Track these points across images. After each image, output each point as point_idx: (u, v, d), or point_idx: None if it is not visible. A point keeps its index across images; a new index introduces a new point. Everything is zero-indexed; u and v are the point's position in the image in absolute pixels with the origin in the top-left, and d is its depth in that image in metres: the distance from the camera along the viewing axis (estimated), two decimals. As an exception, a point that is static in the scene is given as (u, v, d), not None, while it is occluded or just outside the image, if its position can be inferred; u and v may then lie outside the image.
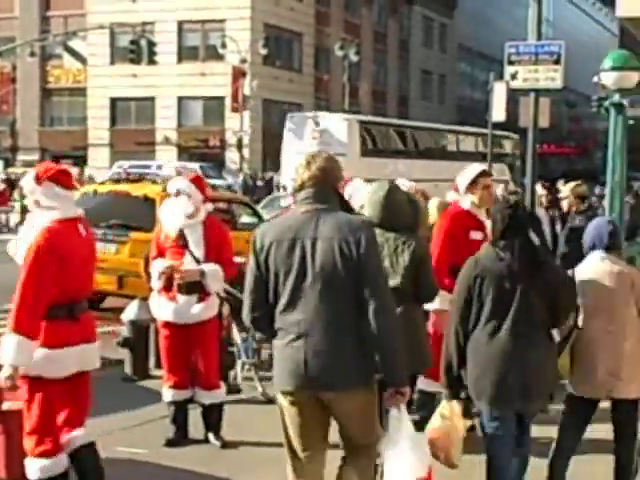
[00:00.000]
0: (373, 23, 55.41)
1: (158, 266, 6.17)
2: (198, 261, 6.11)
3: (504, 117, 26.11)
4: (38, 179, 4.52)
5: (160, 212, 6.43)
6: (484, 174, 6.55)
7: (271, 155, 46.03)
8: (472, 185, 6.44)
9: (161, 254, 6.27)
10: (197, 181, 6.29)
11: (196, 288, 6.07)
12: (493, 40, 58.08)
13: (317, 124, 25.41)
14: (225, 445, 6.18)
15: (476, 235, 6.25)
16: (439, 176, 22.18)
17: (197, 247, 6.14)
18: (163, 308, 6.18)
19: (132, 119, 47.14)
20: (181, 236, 6.14)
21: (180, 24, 45.56)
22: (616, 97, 7.10)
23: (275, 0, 46.23)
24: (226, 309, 6.57)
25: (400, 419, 3.94)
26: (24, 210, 16.40)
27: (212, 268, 6.10)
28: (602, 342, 4.89)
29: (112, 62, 46.17)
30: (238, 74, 41.82)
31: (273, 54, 45.13)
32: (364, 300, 3.79)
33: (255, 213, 13.60)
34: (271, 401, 7.16)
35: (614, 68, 7.04)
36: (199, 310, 6.10)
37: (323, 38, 49.97)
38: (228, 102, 42.88)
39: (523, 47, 24.71)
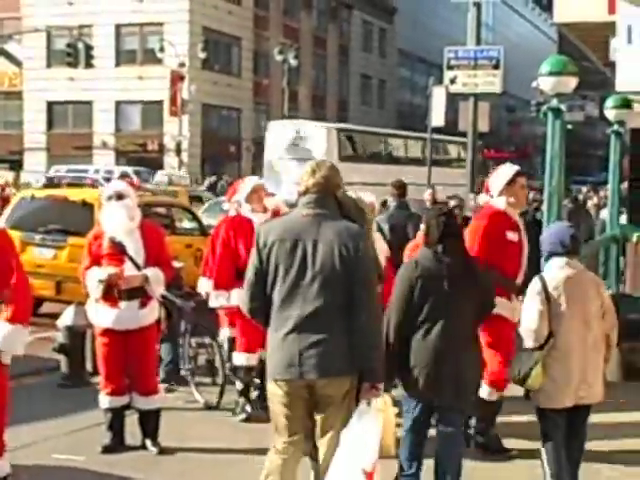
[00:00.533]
0: (312, 27, 55.64)
1: (97, 274, 6.05)
2: (139, 267, 6.07)
3: (443, 122, 26.40)
4: None
5: (102, 216, 6.26)
6: (520, 174, 6.54)
7: (210, 159, 46.10)
8: (509, 185, 6.39)
9: (95, 262, 6.13)
10: (131, 185, 6.50)
11: (138, 293, 6.06)
12: (433, 45, 58.81)
13: (297, 132, 26.22)
14: (162, 451, 6.18)
15: (512, 236, 6.27)
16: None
17: (136, 253, 6.08)
18: (103, 315, 6.09)
19: (69, 123, 46.59)
20: (118, 242, 6.05)
21: (118, 27, 45.24)
22: (554, 102, 7.15)
23: (214, 4, 46.22)
24: (162, 313, 6.50)
25: (365, 412, 4.23)
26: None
27: (154, 272, 6.10)
28: (577, 349, 4.89)
29: (49, 65, 45.60)
30: (176, 78, 41.75)
31: (212, 58, 45.18)
32: (353, 299, 4.18)
33: (195, 218, 13.71)
34: (210, 407, 7.36)
35: (552, 73, 7.07)
36: (141, 315, 6.09)
37: (262, 42, 50.08)
38: (167, 106, 42.76)
39: (462, 52, 24.97)
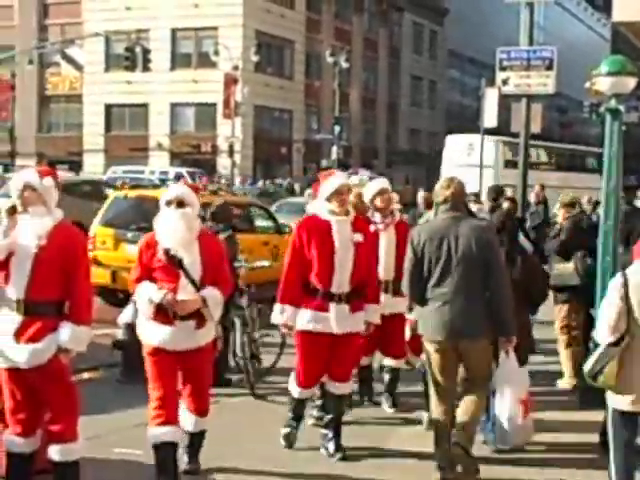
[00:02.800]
0: (364, 30, 56.14)
1: (149, 292, 5.35)
2: (195, 284, 5.34)
3: (495, 123, 26.58)
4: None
5: (157, 223, 5.45)
6: None
7: (261, 161, 46.83)
8: None
9: (147, 274, 5.41)
10: (195, 190, 5.62)
11: (194, 314, 5.37)
12: (484, 46, 58.66)
13: (470, 144, 31.39)
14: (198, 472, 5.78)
15: None
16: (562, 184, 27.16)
17: (193, 267, 5.34)
18: (155, 333, 5.38)
19: (126, 125, 47.85)
20: (174, 256, 5.30)
21: (174, 31, 46.28)
22: (612, 102, 6.93)
23: (267, 7, 46.96)
24: (219, 330, 5.95)
25: (506, 359, 5.97)
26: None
27: (212, 295, 5.38)
28: None
29: (107, 69, 46.87)
30: (230, 81, 42.49)
31: (264, 61, 45.92)
32: (488, 278, 5.60)
33: (270, 216, 14.29)
34: (260, 397, 7.67)
35: (610, 73, 6.83)
36: (198, 336, 5.41)
37: (314, 45, 50.70)
38: (220, 108, 43.59)
39: (515, 52, 24.69)
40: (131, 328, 7.47)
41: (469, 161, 30.00)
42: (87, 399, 5.40)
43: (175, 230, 5.32)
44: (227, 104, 42.64)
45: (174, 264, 5.29)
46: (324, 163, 46.85)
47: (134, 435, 6.02)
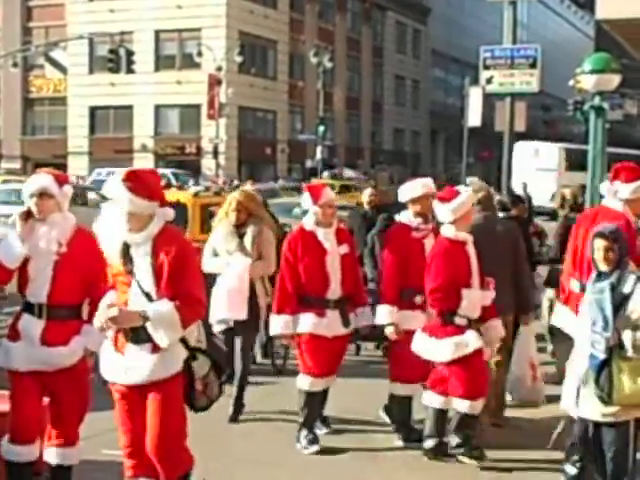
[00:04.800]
0: (347, 30, 56.28)
1: (102, 304, 4.44)
2: (149, 296, 4.31)
3: (480, 122, 26.67)
4: None
5: (97, 227, 4.49)
6: None
7: (246, 162, 46.91)
8: None
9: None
10: (151, 178, 4.41)
11: (145, 336, 4.30)
12: (467, 45, 59.04)
13: (536, 150, 35.44)
14: None
15: None
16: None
17: (146, 274, 4.30)
18: (105, 361, 4.49)
19: (110, 127, 47.77)
20: (128, 257, 4.35)
21: (157, 33, 46.26)
22: (596, 100, 6.94)
23: (250, 8, 47.02)
24: (203, 366, 4.48)
25: (524, 330, 7.15)
26: None
27: (158, 312, 4.21)
28: None
29: (91, 71, 46.81)
30: (214, 82, 42.60)
31: (248, 62, 45.95)
32: (517, 265, 6.66)
33: (271, 215, 14.27)
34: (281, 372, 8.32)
35: (594, 71, 6.87)
36: (153, 365, 4.31)
37: (297, 45, 50.81)
38: (204, 110, 43.69)
39: (499, 51, 24.62)
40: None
41: (536, 165, 33.76)
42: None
43: (112, 228, 4.41)
44: (211, 105, 42.76)
45: (127, 269, 4.38)
46: (309, 163, 47.10)
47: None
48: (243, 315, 6.91)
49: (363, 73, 58.30)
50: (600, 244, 4.83)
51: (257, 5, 47.80)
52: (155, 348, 4.30)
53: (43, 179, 4.85)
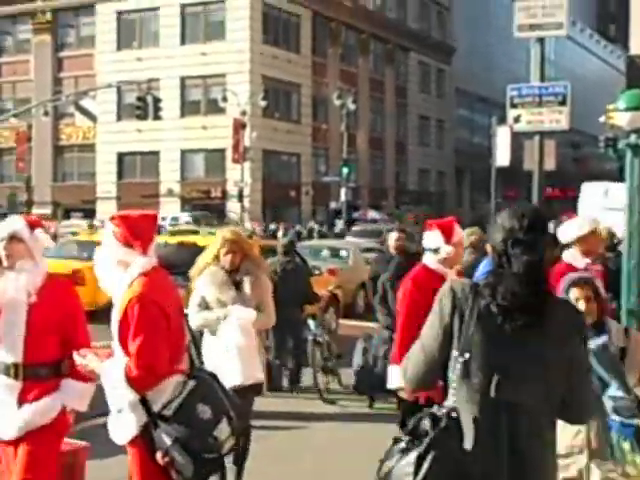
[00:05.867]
0: (369, 71, 56.96)
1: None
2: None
3: (508, 161, 26.48)
4: None
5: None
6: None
7: (270, 205, 47.67)
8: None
9: None
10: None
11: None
12: (493, 83, 59.26)
13: (606, 189, 34.19)
14: None
15: None
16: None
17: (114, 328, 4.06)
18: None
19: (137, 172, 49.00)
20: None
21: (183, 80, 47.49)
22: (632, 138, 6.70)
23: (273, 53, 48.07)
24: (164, 437, 3.94)
25: None
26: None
27: (111, 369, 4.00)
28: None
29: (119, 119, 48.16)
30: (238, 126, 43.48)
31: (272, 105, 46.88)
32: None
33: (301, 259, 14.64)
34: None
35: (629, 108, 6.65)
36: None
37: (321, 88, 51.62)
38: (229, 154, 44.57)
39: (526, 89, 24.11)
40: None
41: (606, 205, 33.62)
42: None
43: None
44: (236, 149, 43.59)
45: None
46: (333, 205, 47.71)
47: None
48: (261, 376, 6.06)
49: (386, 114, 58.83)
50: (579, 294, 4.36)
51: (280, 50, 48.84)
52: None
53: (14, 222, 4.46)
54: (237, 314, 5.92)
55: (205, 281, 6.06)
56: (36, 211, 45.97)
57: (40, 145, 48.69)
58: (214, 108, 45.81)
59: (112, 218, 4.11)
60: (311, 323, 9.87)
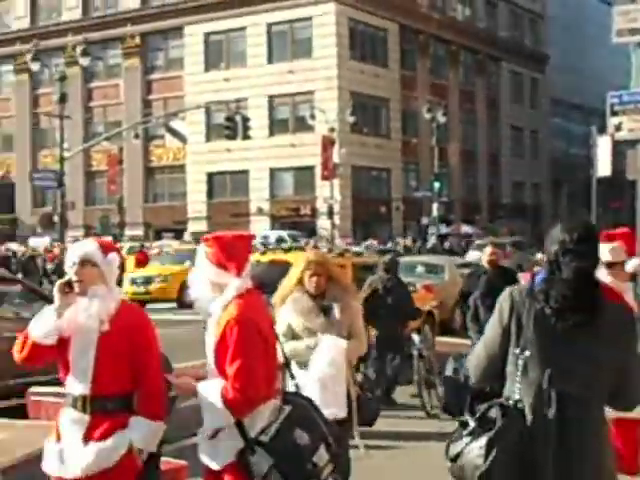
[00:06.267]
0: (460, 83, 56.01)
1: None
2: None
3: (610, 171, 25.41)
4: None
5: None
6: None
7: (361, 221, 47.04)
8: None
9: None
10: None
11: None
12: (589, 91, 57.58)
13: None
14: None
15: None
16: None
17: (209, 351, 4.04)
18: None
19: (227, 192, 49.07)
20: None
21: (271, 98, 47.41)
22: None
23: (360, 68, 47.60)
24: (261, 463, 3.88)
25: None
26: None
27: (209, 389, 3.94)
28: None
29: (208, 139, 48.35)
30: (327, 143, 43.12)
31: (361, 121, 46.43)
32: None
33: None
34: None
35: None
36: (201, 452, 4.03)
37: (410, 102, 50.88)
38: (318, 171, 44.25)
39: (627, 96, 23.23)
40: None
41: None
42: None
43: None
44: (325, 166, 43.22)
45: None
46: (425, 220, 46.76)
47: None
48: (343, 412, 5.43)
49: (478, 126, 57.71)
50: None
51: (368, 65, 48.35)
52: (211, 434, 4.01)
53: (86, 245, 4.21)
54: (328, 343, 5.42)
55: (290, 308, 5.55)
56: (129, 232, 46.66)
57: (131, 167, 49.32)
58: (302, 126, 45.59)
59: (205, 239, 4.03)
60: (415, 338, 9.87)
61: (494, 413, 3.23)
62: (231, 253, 3.96)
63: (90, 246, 4.16)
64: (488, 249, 9.18)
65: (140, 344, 4.12)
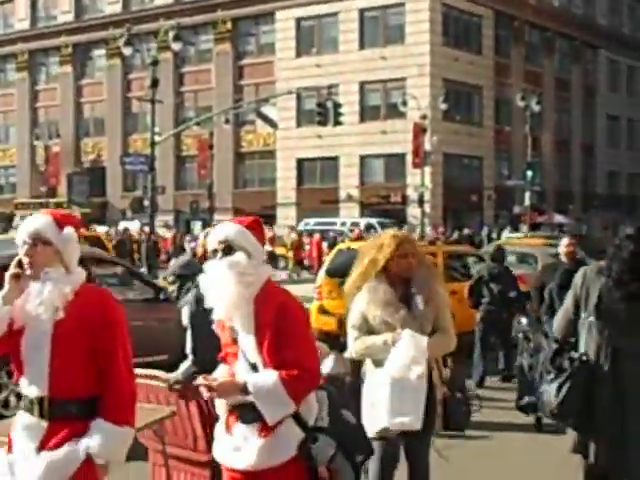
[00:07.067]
0: (555, 70, 54.67)
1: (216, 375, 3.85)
2: (255, 366, 3.67)
3: None
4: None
5: (203, 283, 3.76)
6: None
7: (451, 209, 46.32)
8: None
9: (224, 354, 3.91)
10: (256, 227, 3.81)
11: (253, 413, 3.64)
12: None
13: None
14: None
15: None
16: None
17: (249, 342, 3.67)
18: (218, 443, 3.86)
19: (317, 178, 48.85)
20: (229, 326, 3.76)
21: (362, 85, 46.96)
22: None
23: (454, 55, 46.77)
24: (326, 448, 3.69)
25: None
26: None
27: (260, 382, 3.58)
28: None
29: (299, 125, 48.13)
30: (419, 130, 42.55)
31: (453, 109, 45.66)
32: None
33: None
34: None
35: None
36: (259, 451, 3.62)
37: (503, 90, 49.85)
38: (409, 158, 43.68)
39: None
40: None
41: None
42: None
43: (224, 287, 3.63)
44: (416, 154, 42.71)
45: (231, 338, 3.76)
46: (517, 210, 45.80)
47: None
48: (418, 424, 4.72)
49: (573, 114, 56.23)
50: None
51: (461, 52, 47.46)
52: (264, 429, 3.62)
53: (37, 220, 3.50)
54: (409, 340, 4.65)
55: (366, 298, 4.82)
56: (218, 217, 46.86)
57: (221, 152, 49.42)
58: (394, 112, 45.05)
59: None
60: (523, 320, 9.92)
61: (566, 365, 4.33)
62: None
63: (41, 221, 3.47)
64: (565, 240, 9.07)
65: (103, 334, 3.44)
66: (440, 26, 46.44)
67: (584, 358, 4.24)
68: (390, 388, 4.67)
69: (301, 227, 39.85)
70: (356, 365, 5.36)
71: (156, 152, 31.78)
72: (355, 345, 4.85)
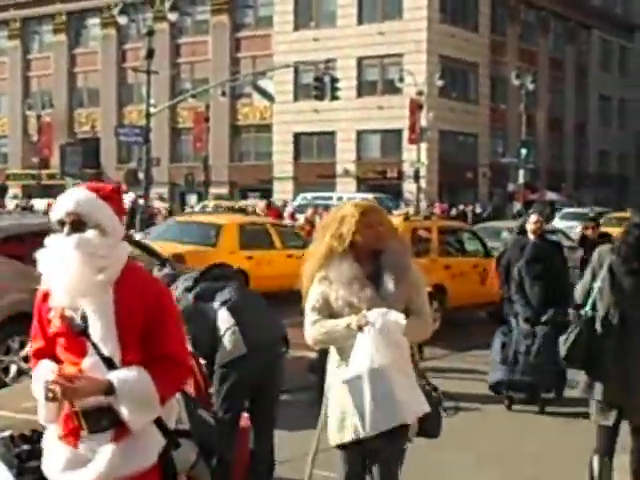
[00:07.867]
0: (549, 50, 55.05)
1: (42, 373, 3.14)
2: (110, 362, 3.09)
3: None
4: None
5: (41, 265, 3.13)
6: None
7: (446, 186, 46.66)
8: None
9: (50, 345, 3.23)
10: (114, 198, 3.23)
11: (107, 418, 3.08)
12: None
13: None
14: None
15: None
16: None
17: (106, 333, 3.09)
18: (52, 460, 3.18)
19: (314, 153, 49.00)
20: (69, 316, 3.11)
21: (359, 60, 47.05)
22: None
23: (451, 32, 46.92)
24: (188, 454, 3.31)
25: None
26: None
27: (129, 379, 3.05)
28: None
29: (296, 99, 48.21)
30: (415, 107, 42.68)
31: (449, 86, 45.85)
32: None
33: (479, 240, 14.55)
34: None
35: None
36: (112, 457, 3.07)
37: (499, 68, 50.14)
38: (405, 134, 43.90)
39: None
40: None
41: None
42: (284, 421, 5.60)
43: (69, 270, 3.05)
44: (412, 130, 42.86)
45: (74, 329, 3.09)
46: (510, 187, 46.22)
47: (325, 457, 4.59)
48: (427, 406, 4.12)
49: (566, 94, 56.72)
50: None
51: (458, 29, 47.61)
52: (118, 435, 3.07)
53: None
54: (379, 320, 3.85)
55: (327, 278, 4.02)
56: (213, 191, 47.00)
57: (217, 125, 49.39)
58: (390, 88, 45.17)
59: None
60: None
61: (575, 321, 5.22)
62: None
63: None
64: (533, 217, 8.53)
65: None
66: (437, 2, 46.55)
67: (589, 314, 5.10)
68: (368, 382, 3.88)
69: (298, 201, 40.02)
70: (320, 360, 4.52)
71: (151, 124, 31.73)
72: (312, 330, 4.01)
